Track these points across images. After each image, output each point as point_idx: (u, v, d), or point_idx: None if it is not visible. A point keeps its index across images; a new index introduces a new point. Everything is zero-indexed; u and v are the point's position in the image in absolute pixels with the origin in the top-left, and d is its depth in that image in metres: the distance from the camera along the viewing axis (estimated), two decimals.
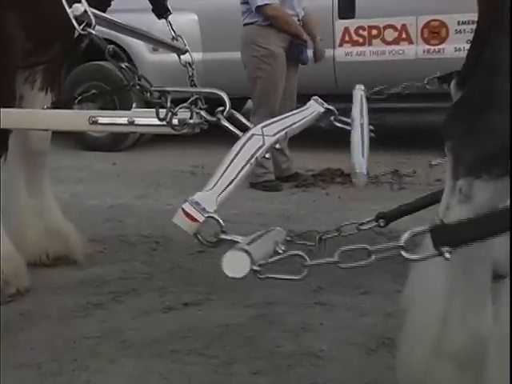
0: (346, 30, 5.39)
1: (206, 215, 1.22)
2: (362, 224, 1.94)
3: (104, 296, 2.57)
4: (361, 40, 5.37)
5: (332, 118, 2.08)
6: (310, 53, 4.59)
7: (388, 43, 5.29)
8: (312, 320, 2.31)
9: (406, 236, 1.02)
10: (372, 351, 2.07)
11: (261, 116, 4.00)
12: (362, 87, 2.53)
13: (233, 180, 1.36)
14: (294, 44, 4.43)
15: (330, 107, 2.09)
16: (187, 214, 1.21)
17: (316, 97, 2.11)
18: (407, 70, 5.17)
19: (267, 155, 1.51)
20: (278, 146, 1.57)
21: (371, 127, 2.00)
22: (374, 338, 2.12)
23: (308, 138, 5.31)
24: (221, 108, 1.70)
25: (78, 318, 2.40)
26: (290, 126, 1.73)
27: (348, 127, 1.97)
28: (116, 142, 5.71)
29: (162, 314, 2.42)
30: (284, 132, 1.64)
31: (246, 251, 1.11)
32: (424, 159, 4.72)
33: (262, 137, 1.48)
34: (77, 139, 5.79)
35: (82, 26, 1.80)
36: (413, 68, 5.16)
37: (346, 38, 5.39)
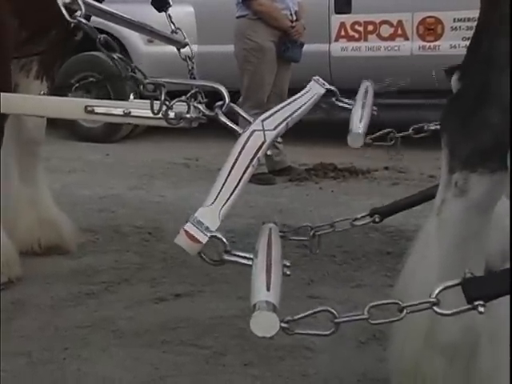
0: (342, 25, 5.38)
1: (209, 235, 1.17)
2: (355, 219, 1.93)
3: (96, 286, 2.56)
4: (356, 35, 5.37)
5: (334, 98, 2.02)
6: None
7: (384, 39, 5.29)
8: (304, 313, 2.31)
9: (437, 291, 1.01)
10: (363, 344, 2.08)
11: (247, 109, 3.98)
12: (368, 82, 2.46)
13: (235, 189, 1.29)
14: (282, 41, 4.40)
15: (332, 87, 2.03)
16: (189, 236, 1.16)
17: (317, 77, 2.05)
18: (402, 66, 5.19)
19: (269, 152, 1.46)
20: (279, 139, 1.52)
21: (374, 108, 1.95)
22: (364, 331, 2.12)
23: (302, 132, 5.31)
24: (220, 102, 1.63)
25: (70, 307, 2.39)
26: (291, 115, 1.67)
27: (349, 106, 1.92)
28: (109, 133, 5.69)
29: (154, 304, 2.42)
30: (285, 124, 1.59)
31: (274, 308, 1.04)
32: (417, 156, 4.74)
33: (262, 132, 1.43)
34: (70, 130, 5.76)
35: (76, 16, 1.78)
36: (408, 64, 5.17)
37: (342, 33, 5.39)
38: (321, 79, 2.02)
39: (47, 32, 2.57)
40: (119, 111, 1.98)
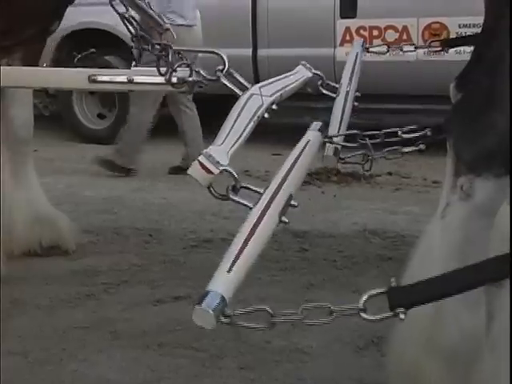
0: (347, 29, 5.38)
1: (221, 168, 1.23)
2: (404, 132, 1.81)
3: (95, 287, 2.56)
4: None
5: (319, 82, 2.07)
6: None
7: (389, 44, 5.28)
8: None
9: (364, 299, 1.05)
10: (360, 349, 2.07)
11: None
12: (361, 42, 2.49)
13: (240, 136, 1.39)
14: None
15: (318, 72, 2.09)
16: (203, 166, 1.23)
17: (304, 62, 2.12)
18: (407, 71, 5.17)
19: (266, 115, 1.54)
20: (274, 106, 1.61)
21: (357, 94, 1.99)
22: (363, 337, 2.11)
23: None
24: (220, 67, 1.73)
25: (68, 307, 2.39)
26: (284, 88, 1.77)
27: (333, 95, 1.97)
28: (113, 135, 5.69)
29: (153, 306, 2.42)
30: (279, 94, 1.68)
31: (220, 301, 1.02)
32: (420, 161, 4.73)
33: (260, 96, 1.53)
34: (74, 132, 5.77)
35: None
36: (413, 70, 5.15)
37: (347, 38, 5.38)
38: (308, 64, 2.08)
39: (29, 24, 2.54)
40: (123, 79, 2.01)
